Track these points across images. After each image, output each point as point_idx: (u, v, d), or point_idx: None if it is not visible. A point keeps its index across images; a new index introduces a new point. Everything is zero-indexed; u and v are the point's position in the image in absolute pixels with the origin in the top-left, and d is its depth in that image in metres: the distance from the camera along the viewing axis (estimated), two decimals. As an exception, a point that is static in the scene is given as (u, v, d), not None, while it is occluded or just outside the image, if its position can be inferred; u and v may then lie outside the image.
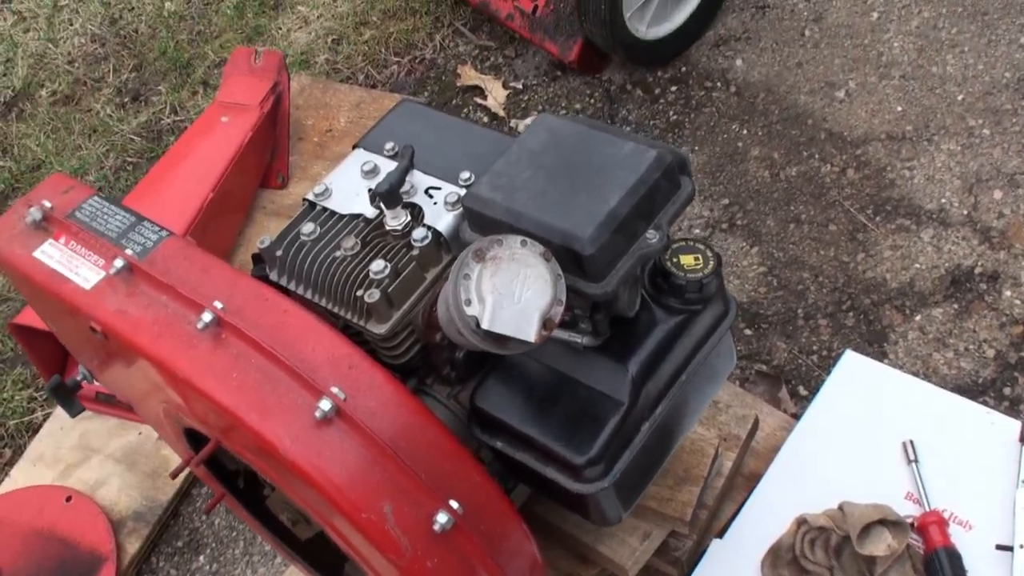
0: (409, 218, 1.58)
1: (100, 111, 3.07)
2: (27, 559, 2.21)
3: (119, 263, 1.49)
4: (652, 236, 1.43)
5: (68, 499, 2.28)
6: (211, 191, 2.46)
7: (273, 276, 1.62)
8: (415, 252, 1.53)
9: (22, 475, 2.37)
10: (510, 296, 1.31)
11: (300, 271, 1.58)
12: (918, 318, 2.17)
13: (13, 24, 3.40)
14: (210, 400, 1.36)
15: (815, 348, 2.19)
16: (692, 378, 1.59)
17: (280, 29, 3.13)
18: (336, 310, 1.55)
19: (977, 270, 2.21)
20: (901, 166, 2.40)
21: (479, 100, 2.83)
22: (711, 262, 1.53)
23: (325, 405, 1.28)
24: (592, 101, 2.75)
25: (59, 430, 2.42)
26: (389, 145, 1.68)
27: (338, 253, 1.56)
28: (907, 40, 2.62)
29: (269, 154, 2.68)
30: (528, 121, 2.74)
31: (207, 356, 1.39)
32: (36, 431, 2.43)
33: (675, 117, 2.65)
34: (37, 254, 1.58)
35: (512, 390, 1.57)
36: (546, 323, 1.32)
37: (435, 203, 1.60)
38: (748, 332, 2.25)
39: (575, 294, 1.40)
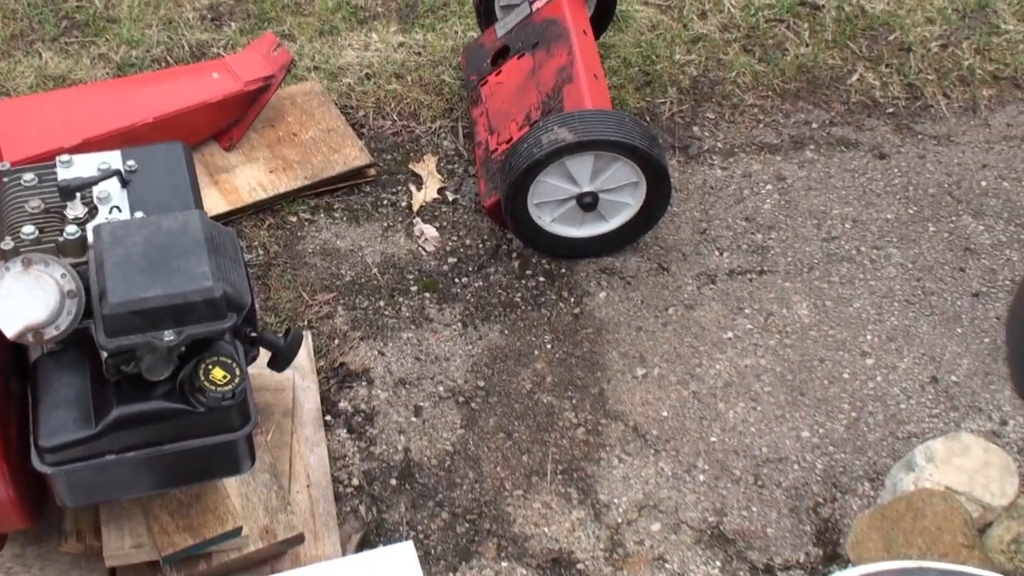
0: (85, 214, 2.00)
1: (188, 15, 3.65)
2: None
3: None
4: (168, 335, 1.80)
5: None
6: (152, 118, 2.96)
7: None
8: (60, 239, 1.95)
9: None
10: (13, 297, 1.74)
11: (2, 200, 2.04)
12: (505, 563, 2.46)
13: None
14: None
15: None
16: (177, 453, 1.95)
17: (346, 40, 3.60)
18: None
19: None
20: (619, 452, 2.66)
21: (412, 187, 3.22)
22: (232, 383, 1.88)
23: None
24: (483, 242, 3.10)
25: None
26: (131, 162, 2.11)
27: (25, 206, 2.01)
28: (728, 367, 2.85)
29: (232, 120, 3.16)
30: (423, 226, 3.12)
31: None
32: None
33: (518, 299, 2.97)
34: None
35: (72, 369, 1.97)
36: (33, 334, 1.74)
37: (107, 218, 2.02)
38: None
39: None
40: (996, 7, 3.87)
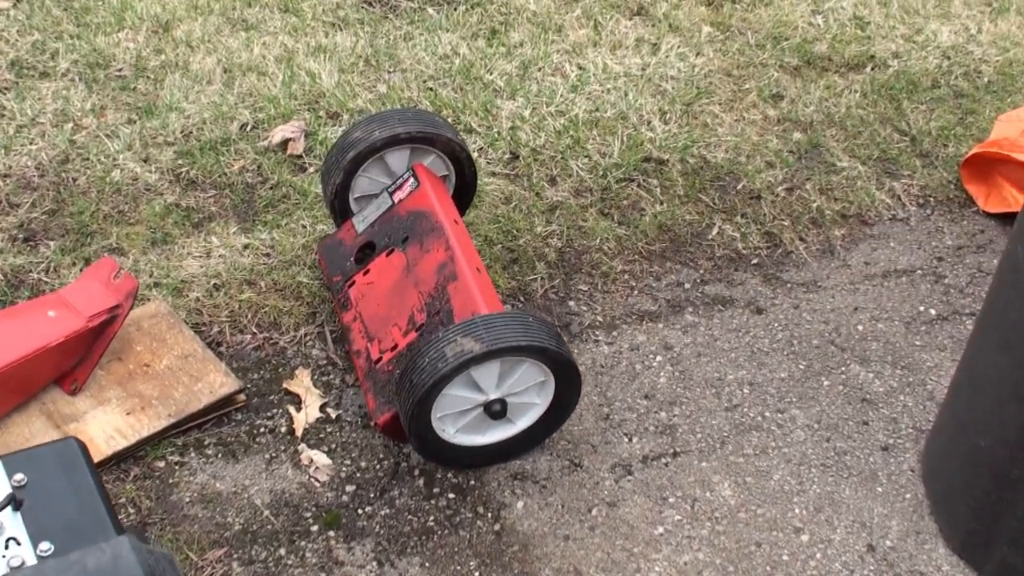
0: (-27, 555, 1.62)
1: (-6, 234, 3.23)
2: None
3: None
4: None
5: None
6: (-11, 372, 2.55)
7: None
8: (-51, 594, 1.56)
9: None
10: None
11: None
12: None
13: (-10, 114, 3.61)
14: None
15: None
16: None
17: (183, 248, 3.27)
18: None
19: None
20: None
21: (291, 409, 2.91)
22: None
23: None
24: (380, 462, 2.82)
25: None
26: (19, 476, 1.74)
27: None
28: (668, 567, 2.66)
29: (76, 361, 2.77)
30: (311, 453, 2.81)
31: None
32: None
33: (431, 523, 2.70)
34: None
35: None
36: None
37: (3, 556, 1.64)
38: None
39: None
40: (827, 145, 3.95)
